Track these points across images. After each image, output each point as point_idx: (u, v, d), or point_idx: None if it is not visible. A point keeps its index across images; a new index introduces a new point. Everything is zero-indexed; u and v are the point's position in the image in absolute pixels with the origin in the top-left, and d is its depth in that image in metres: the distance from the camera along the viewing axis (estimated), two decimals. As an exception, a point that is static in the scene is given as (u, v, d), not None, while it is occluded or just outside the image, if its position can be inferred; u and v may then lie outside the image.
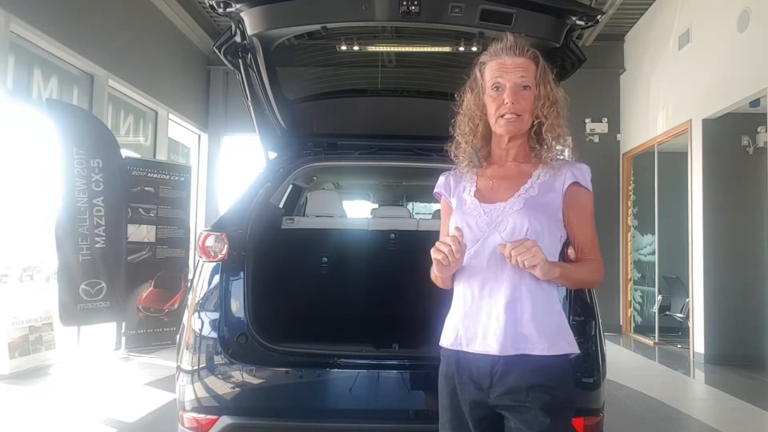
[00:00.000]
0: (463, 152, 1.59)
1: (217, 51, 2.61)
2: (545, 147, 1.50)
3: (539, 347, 1.38)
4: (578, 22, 2.30)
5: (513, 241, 1.34)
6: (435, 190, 1.68)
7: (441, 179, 1.67)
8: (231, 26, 2.48)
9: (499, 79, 1.46)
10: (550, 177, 1.50)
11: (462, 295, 1.46)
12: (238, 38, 2.47)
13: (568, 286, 1.45)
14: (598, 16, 2.30)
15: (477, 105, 1.53)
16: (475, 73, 1.55)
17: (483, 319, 1.41)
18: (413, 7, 2.25)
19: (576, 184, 1.49)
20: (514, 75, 1.45)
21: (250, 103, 2.95)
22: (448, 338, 1.47)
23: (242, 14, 2.34)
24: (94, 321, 5.65)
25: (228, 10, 2.30)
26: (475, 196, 1.52)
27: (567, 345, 1.42)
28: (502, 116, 1.45)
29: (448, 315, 1.52)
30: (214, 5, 2.27)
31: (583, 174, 1.50)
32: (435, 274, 1.50)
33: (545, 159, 1.50)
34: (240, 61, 2.65)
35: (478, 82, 1.53)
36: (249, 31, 2.41)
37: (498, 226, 1.44)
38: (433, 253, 1.37)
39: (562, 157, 1.56)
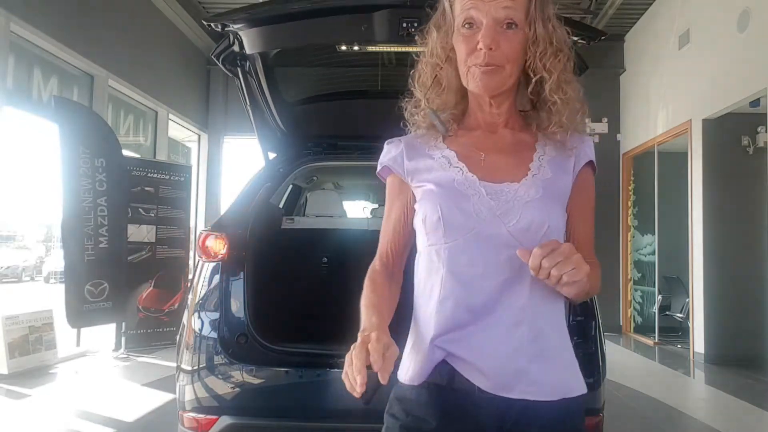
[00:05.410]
0: (422, 114, 1.13)
1: (215, 59, 2.60)
2: (546, 113, 1.06)
3: (546, 391, 1.01)
4: (579, 41, 2.27)
5: (543, 246, 0.88)
6: (381, 166, 1.17)
7: (390, 148, 1.16)
8: (229, 35, 2.47)
9: (473, 11, 1.01)
10: (558, 152, 1.08)
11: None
12: (236, 48, 2.47)
13: (576, 302, 1.05)
14: (600, 37, 2.24)
15: (444, 48, 1.08)
16: (442, 5, 1.09)
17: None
18: (413, 30, 2.21)
19: (590, 164, 1.10)
20: (494, 6, 0.99)
21: (249, 108, 2.95)
22: None
23: (240, 33, 2.33)
24: (98, 322, 5.64)
25: (226, 29, 2.29)
26: (469, 168, 1.07)
27: (578, 384, 1.05)
28: (475, 65, 1.01)
29: None
30: (212, 25, 2.27)
31: (593, 152, 1.11)
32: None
33: (550, 130, 1.06)
34: (239, 69, 2.65)
35: (447, 16, 1.07)
36: (247, 50, 2.40)
37: (504, 216, 1.00)
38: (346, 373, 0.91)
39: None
